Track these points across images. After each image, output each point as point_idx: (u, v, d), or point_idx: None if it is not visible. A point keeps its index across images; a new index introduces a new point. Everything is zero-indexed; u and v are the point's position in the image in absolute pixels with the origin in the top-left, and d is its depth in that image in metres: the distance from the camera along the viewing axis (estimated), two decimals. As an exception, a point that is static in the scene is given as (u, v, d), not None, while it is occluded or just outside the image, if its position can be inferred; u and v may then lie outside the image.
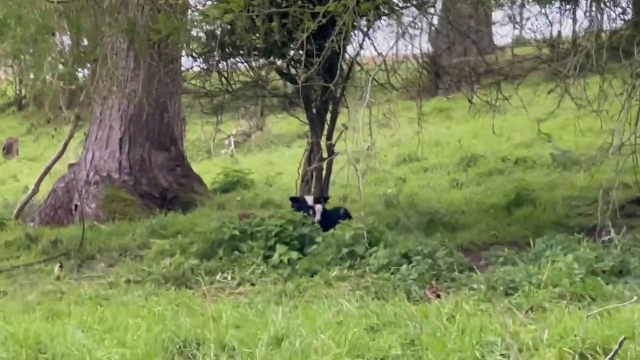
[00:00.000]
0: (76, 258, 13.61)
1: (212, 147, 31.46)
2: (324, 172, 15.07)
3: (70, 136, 19.63)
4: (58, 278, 12.43)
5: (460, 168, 19.79)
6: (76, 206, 17.75)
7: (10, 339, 8.06)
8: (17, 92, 41.32)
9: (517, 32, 28.64)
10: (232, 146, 30.97)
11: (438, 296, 9.25)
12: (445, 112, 32.69)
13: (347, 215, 12.53)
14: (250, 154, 31.58)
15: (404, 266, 10.00)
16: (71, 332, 8.40)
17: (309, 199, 13.11)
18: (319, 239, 11.20)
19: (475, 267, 10.40)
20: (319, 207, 12.90)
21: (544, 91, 24.10)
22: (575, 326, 6.89)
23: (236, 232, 11.67)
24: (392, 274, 9.95)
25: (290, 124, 37.79)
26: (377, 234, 10.91)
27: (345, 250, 10.76)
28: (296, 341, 7.28)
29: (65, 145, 19.73)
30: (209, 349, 7.39)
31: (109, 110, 18.22)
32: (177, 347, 7.54)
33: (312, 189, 15.19)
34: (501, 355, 6.66)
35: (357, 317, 8.16)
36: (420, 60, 15.70)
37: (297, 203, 13.21)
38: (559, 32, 14.43)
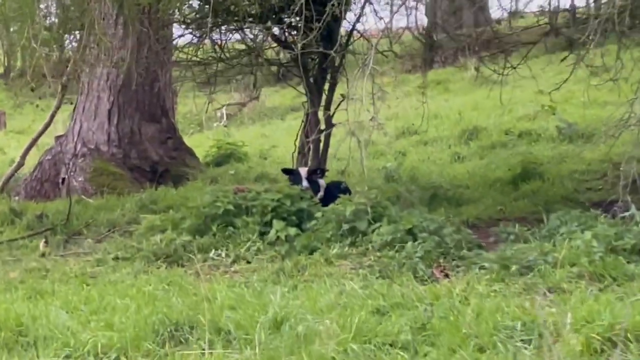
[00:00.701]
0: (62, 233, 13.14)
1: (204, 120, 30.97)
2: (321, 145, 14.54)
3: (57, 107, 19.03)
4: (43, 254, 11.92)
5: (461, 141, 19.29)
6: (63, 179, 17.26)
7: (-11, 320, 7.58)
8: (4, 64, 40.65)
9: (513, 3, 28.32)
10: (225, 118, 30.43)
11: (446, 276, 8.77)
12: (442, 85, 32.20)
13: (347, 190, 12.00)
14: (244, 126, 31.07)
15: (409, 243, 9.48)
16: (54, 313, 7.96)
17: (303, 171, 12.58)
18: (318, 215, 10.67)
19: (484, 245, 9.92)
20: (322, 183, 12.40)
21: (548, 62, 23.64)
22: (601, 309, 6.40)
23: (230, 207, 11.14)
24: (396, 251, 9.43)
25: (283, 97, 37.32)
26: (380, 209, 10.39)
27: (346, 227, 10.24)
28: (297, 325, 6.79)
29: (52, 117, 19.13)
30: (203, 332, 6.90)
31: (97, 80, 17.70)
32: (169, 330, 7.08)
33: (309, 162, 14.69)
34: (522, 341, 6.17)
35: (361, 298, 7.67)
36: (416, 32, 15.25)
37: (292, 175, 12.68)
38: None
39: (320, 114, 14.35)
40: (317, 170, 12.90)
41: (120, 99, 17.64)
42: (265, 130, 28.69)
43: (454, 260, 9.31)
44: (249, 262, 10.20)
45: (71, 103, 19.05)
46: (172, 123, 18.58)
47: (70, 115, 19.12)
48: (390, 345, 6.40)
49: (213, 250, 10.62)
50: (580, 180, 14.20)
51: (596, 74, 14.66)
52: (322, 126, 14.31)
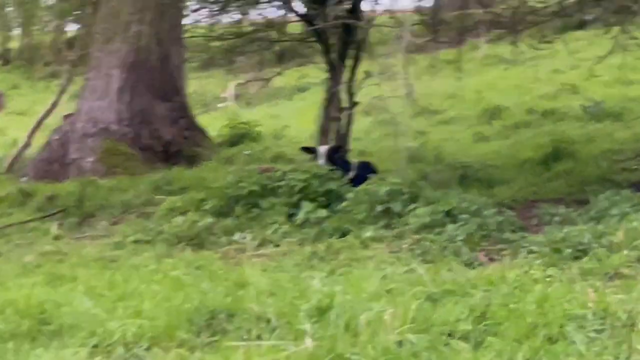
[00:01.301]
0: (75, 215, 12.68)
1: (209, 101, 30.47)
2: (343, 124, 14.07)
3: (66, 85, 18.61)
4: (57, 237, 11.47)
5: (483, 121, 18.82)
6: (72, 160, 16.78)
7: (9, 307, 7.11)
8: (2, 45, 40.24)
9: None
10: (233, 98, 29.96)
11: (492, 259, 8.32)
12: (454, 64, 31.69)
13: (373, 170, 11.53)
14: (251, 107, 30.58)
15: (450, 226, 9.02)
16: (78, 300, 7.47)
17: (323, 149, 12.12)
18: (349, 195, 10.19)
19: (526, 227, 9.47)
20: (354, 162, 11.93)
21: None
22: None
23: (255, 188, 10.69)
24: (436, 234, 8.96)
25: (288, 77, 36.70)
26: (415, 189, 9.93)
27: (379, 208, 9.77)
28: (344, 313, 6.32)
29: (60, 95, 18.70)
30: (243, 321, 6.44)
31: (108, 56, 17.20)
32: (205, 319, 6.59)
33: (329, 142, 14.24)
34: (595, 331, 5.71)
35: (407, 284, 7.20)
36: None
37: (313, 153, 12.23)
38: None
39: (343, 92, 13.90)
40: (339, 149, 12.47)
41: (131, 76, 17.12)
42: (274, 110, 28.23)
43: (497, 243, 8.85)
44: (277, 246, 9.73)
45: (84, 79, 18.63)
46: (184, 102, 18.12)
47: (80, 93, 18.62)
48: (449, 335, 5.93)
49: (238, 233, 10.17)
50: (614, 160, 13.71)
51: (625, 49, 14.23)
52: (344, 104, 13.89)
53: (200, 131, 18.26)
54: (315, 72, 24.54)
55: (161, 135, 17.30)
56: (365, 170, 11.44)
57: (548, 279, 7.15)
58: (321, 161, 11.75)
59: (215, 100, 31.18)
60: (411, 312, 6.15)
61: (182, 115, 17.87)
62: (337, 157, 11.69)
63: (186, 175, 14.93)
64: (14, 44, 40.38)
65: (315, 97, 28.36)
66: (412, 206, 9.67)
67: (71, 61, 17.20)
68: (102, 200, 13.64)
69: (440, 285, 6.98)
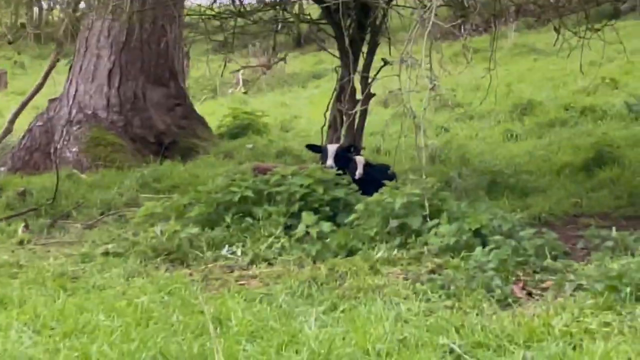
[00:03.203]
0: (47, 215, 11.50)
1: (219, 86, 29.28)
2: (357, 118, 12.71)
3: (52, 66, 17.35)
4: (21, 242, 10.20)
5: (513, 117, 17.47)
6: (55, 149, 15.56)
7: None
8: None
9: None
10: (241, 84, 28.75)
11: (530, 295, 6.96)
12: (480, 53, 30.37)
13: (392, 176, 10.15)
14: (261, 94, 29.41)
15: (478, 249, 7.65)
16: (15, 335, 6.18)
17: (331, 149, 10.78)
18: (359, 207, 8.83)
19: (570, 251, 8.11)
20: (360, 159, 10.59)
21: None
22: None
23: (249, 193, 9.36)
24: (462, 259, 7.60)
25: (304, 62, 35.57)
26: (436, 201, 8.55)
27: (394, 223, 8.40)
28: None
29: (46, 77, 17.46)
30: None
31: (97, 35, 15.98)
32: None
33: (341, 138, 12.89)
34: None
35: (425, 331, 5.86)
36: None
37: (320, 152, 10.92)
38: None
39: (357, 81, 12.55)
40: (351, 148, 11.13)
41: (122, 58, 16.13)
42: (285, 98, 27.06)
43: (535, 272, 7.48)
44: (270, 264, 8.40)
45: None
46: (181, 87, 16.93)
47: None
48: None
49: (226, 247, 8.85)
50: (667, 168, 12.34)
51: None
52: (359, 95, 12.53)
53: (198, 120, 17.07)
54: (332, 58, 23.35)
55: (154, 124, 16.23)
56: (380, 175, 10.06)
57: (606, 329, 5.79)
58: (329, 162, 10.45)
59: (225, 85, 30.05)
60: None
61: (179, 102, 16.73)
62: (335, 157, 10.34)
63: (178, 171, 13.93)
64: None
65: (332, 85, 27.17)
66: (433, 222, 8.30)
67: (57, 39, 15.90)
68: (80, 197, 12.50)
69: (468, 336, 5.63)
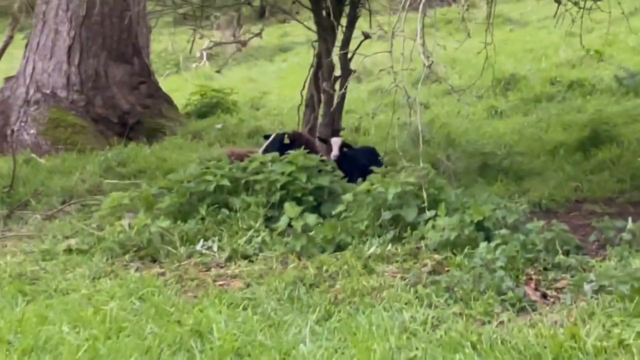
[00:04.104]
0: (3, 205, 10.70)
1: (182, 60, 28.45)
2: (335, 96, 12.02)
3: (7, 42, 16.54)
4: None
5: (496, 92, 16.76)
6: (12, 132, 14.76)
7: None
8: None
9: None
10: (205, 59, 27.92)
11: (544, 296, 6.31)
12: (453, 24, 29.77)
13: (378, 162, 9.47)
14: (226, 68, 28.55)
15: (483, 244, 6.99)
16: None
17: (336, 141, 10.20)
18: (347, 197, 8.14)
19: (581, 245, 7.46)
20: (336, 140, 9.93)
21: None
22: None
23: (225, 182, 8.66)
24: (465, 256, 6.94)
25: (269, 35, 34.59)
26: (433, 190, 7.88)
27: (387, 215, 7.74)
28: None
29: (1, 54, 16.62)
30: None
31: (54, 10, 15.16)
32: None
33: (319, 118, 12.23)
34: None
35: (436, 345, 5.20)
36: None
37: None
38: None
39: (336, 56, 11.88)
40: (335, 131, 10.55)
41: (82, 33, 15.36)
42: (252, 73, 26.26)
43: (546, 269, 6.83)
44: (251, 261, 7.72)
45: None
46: (145, 64, 16.17)
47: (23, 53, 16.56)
48: None
49: (201, 242, 8.15)
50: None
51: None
52: (337, 72, 11.89)
53: (164, 99, 16.33)
54: (300, 30, 22.55)
55: (117, 103, 15.50)
56: (365, 159, 9.39)
57: (631, 337, 5.15)
58: (334, 154, 9.82)
59: (188, 59, 29.21)
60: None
61: (143, 80, 15.98)
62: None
63: (144, 154, 13.24)
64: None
65: (300, 59, 26.42)
66: (429, 214, 7.63)
67: (13, 14, 15.07)
68: (40, 185, 11.74)
69: (488, 354, 4.97)
